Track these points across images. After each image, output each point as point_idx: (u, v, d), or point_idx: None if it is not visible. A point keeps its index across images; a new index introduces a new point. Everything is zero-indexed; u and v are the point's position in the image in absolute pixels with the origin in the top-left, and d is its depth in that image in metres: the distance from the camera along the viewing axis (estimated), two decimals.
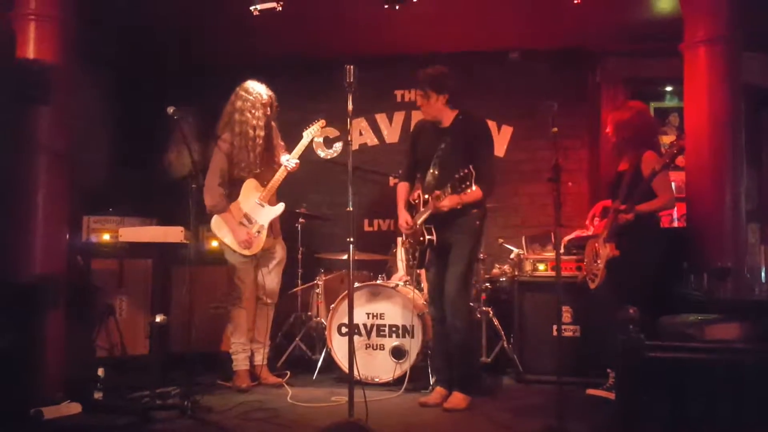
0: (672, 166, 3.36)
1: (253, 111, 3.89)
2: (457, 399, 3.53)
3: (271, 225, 4.07)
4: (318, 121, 4.26)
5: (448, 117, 3.63)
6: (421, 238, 3.58)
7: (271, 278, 4.15)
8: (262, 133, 3.91)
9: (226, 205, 3.96)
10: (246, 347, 4.05)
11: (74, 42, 3.80)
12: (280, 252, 4.19)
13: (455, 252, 3.57)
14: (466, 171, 3.16)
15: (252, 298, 4.08)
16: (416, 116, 5.67)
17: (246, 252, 3.96)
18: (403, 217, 3.72)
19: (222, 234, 4.00)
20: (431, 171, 3.60)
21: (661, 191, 3.52)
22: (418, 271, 4.09)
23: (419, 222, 3.61)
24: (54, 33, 3.68)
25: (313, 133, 4.20)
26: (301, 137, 4.21)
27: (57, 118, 3.67)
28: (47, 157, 3.62)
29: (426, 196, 3.58)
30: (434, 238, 3.55)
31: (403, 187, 3.83)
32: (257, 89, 3.95)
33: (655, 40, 4.77)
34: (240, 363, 4.01)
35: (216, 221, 4.01)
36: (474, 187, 3.20)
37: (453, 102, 3.61)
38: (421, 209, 3.63)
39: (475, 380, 3.68)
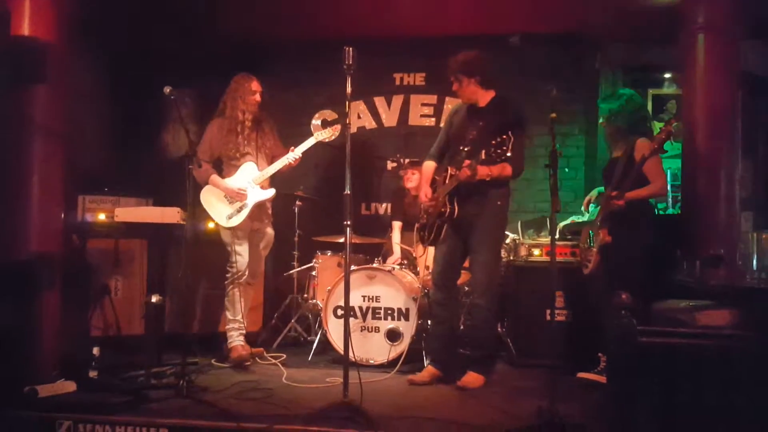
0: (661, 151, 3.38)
1: (243, 98, 4.15)
2: (473, 378, 3.58)
3: (260, 208, 4.20)
4: (331, 126, 4.35)
5: (483, 98, 3.69)
6: (443, 209, 3.61)
7: (256, 259, 4.29)
8: (250, 117, 4.16)
9: (212, 172, 4.12)
10: (242, 325, 4.14)
11: (70, 21, 3.76)
12: (268, 235, 4.34)
13: (479, 237, 3.59)
14: (504, 137, 3.20)
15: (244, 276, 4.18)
16: (415, 100, 5.70)
17: (228, 224, 4.10)
18: (425, 191, 3.77)
19: (210, 208, 4.14)
20: (463, 148, 3.60)
21: (653, 177, 3.53)
22: (429, 246, 3.98)
23: (444, 193, 3.62)
24: (49, 11, 3.64)
25: (322, 137, 4.27)
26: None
27: (52, 96, 3.65)
28: (43, 135, 3.61)
29: (452, 172, 3.60)
30: (456, 209, 3.58)
31: (429, 166, 3.87)
32: (248, 79, 4.20)
33: (654, 26, 4.75)
34: (235, 339, 4.12)
35: (205, 196, 4.14)
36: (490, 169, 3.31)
37: (486, 83, 3.67)
38: (446, 183, 3.64)
39: (491, 362, 3.72)
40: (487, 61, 3.67)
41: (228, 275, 4.16)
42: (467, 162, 3.42)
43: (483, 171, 3.43)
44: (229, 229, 4.11)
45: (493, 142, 3.21)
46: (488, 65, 3.67)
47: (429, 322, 4.03)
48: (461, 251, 3.72)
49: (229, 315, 4.16)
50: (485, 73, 3.65)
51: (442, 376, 3.67)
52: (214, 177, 4.14)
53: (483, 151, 3.29)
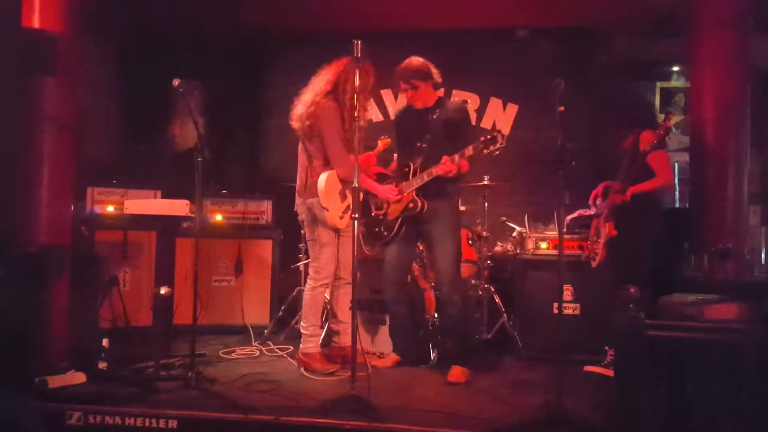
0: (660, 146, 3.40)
1: (362, 89, 3.42)
2: (458, 372, 3.60)
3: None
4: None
5: (432, 99, 3.81)
6: (411, 205, 3.68)
7: (347, 255, 3.79)
8: (360, 116, 3.46)
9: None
10: (320, 330, 3.89)
11: (80, 12, 3.76)
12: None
13: (441, 229, 3.66)
14: (489, 137, 3.38)
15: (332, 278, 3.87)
16: None
17: (341, 225, 3.74)
18: (387, 188, 3.79)
19: (330, 202, 3.70)
20: (420, 145, 3.70)
21: (659, 171, 3.53)
22: (384, 245, 3.92)
23: (412, 189, 3.68)
24: (59, 2, 3.65)
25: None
26: None
27: (62, 88, 3.65)
28: (53, 127, 3.61)
29: (414, 167, 3.69)
30: (425, 204, 3.66)
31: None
32: (367, 66, 3.56)
33: (663, 20, 4.73)
34: (314, 346, 3.80)
35: (329, 187, 3.69)
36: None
37: (437, 85, 3.81)
38: (411, 179, 3.69)
39: (473, 354, 3.74)
40: (433, 65, 3.77)
41: (317, 277, 3.78)
42: (446, 158, 3.51)
43: (464, 166, 3.59)
44: (336, 230, 3.77)
45: (483, 138, 3.39)
46: (435, 68, 3.76)
47: (436, 315, 4.04)
48: (413, 248, 3.90)
49: (311, 317, 3.78)
50: (435, 75, 3.75)
51: (403, 360, 3.89)
52: (368, 180, 3.78)
53: (471, 147, 3.44)
